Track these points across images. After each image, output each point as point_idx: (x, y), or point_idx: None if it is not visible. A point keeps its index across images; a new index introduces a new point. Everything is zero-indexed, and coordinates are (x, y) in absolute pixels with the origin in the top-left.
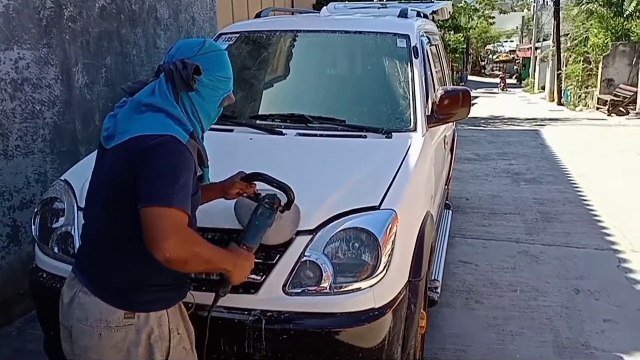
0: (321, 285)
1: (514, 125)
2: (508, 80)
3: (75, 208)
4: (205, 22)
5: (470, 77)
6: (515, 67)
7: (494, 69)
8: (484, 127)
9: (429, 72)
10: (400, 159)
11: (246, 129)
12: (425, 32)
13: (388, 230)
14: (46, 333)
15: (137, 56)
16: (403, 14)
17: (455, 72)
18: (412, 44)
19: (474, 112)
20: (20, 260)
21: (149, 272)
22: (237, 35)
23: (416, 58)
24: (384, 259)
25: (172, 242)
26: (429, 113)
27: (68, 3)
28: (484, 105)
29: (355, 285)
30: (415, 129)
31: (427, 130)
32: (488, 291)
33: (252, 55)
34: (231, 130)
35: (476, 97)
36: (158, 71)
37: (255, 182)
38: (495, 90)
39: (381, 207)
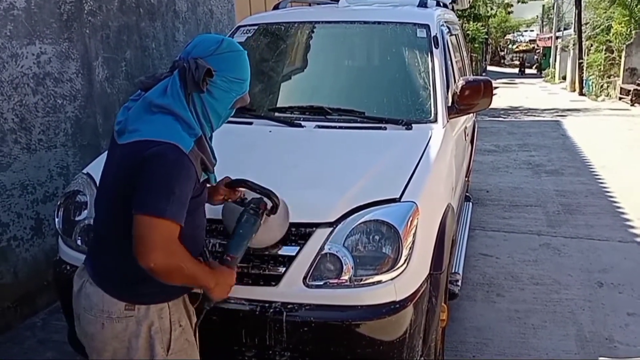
0: (342, 278)
1: (534, 116)
2: (528, 71)
3: None
4: (223, 14)
5: (489, 67)
6: (535, 56)
7: (514, 58)
8: (504, 118)
9: (449, 62)
10: (420, 151)
11: (265, 121)
12: (445, 22)
13: (409, 223)
14: (70, 324)
15: (156, 50)
16: (423, 4)
17: (473, 62)
18: (432, 34)
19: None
20: (44, 253)
21: None
22: (256, 27)
23: (436, 48)
24: (404, 252)
25: (158, 254)
26: (450, 104)
27: None
28: (504, 96)
29: (376, 278)
30: (435, 120)
31: (447, 121)
32: (509, 284)
33: (270, 48)
34: (250, 123)
35: (496, 87)
36: (173, 67)
37: (239, 190)
38: (516, 80)
39: (402, 200)
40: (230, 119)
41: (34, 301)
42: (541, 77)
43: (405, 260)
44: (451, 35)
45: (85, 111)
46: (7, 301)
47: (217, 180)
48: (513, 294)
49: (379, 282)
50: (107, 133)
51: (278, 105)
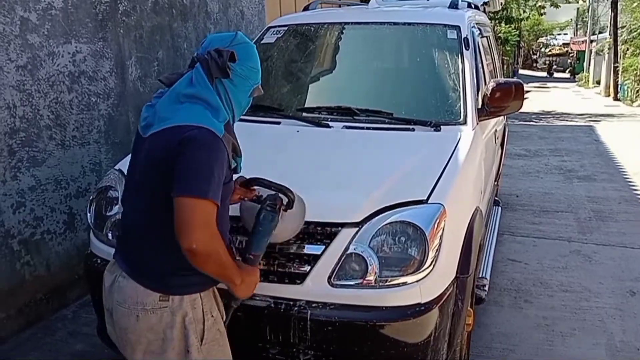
0: (367, 279)
1: (567, 120)
2: (561, 75)
3: None
4: (254, 15)
5: (521, 71)
6: (568, 60)
7: (547, 62)
8: (536, 122)
9: (480, 64)
10: (449, 153)
11: (293, 121)
12: (476, 24)
13: (436, 225)
14: (100, 317)
15: (187, 50)
16: (453, 5)
17: (505, 65)
18: (463, 35)
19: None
20: (76, 247)
21: (182, 257)
22: (286, 28)
23: (467, 49)
24: (431, 254)
25: (200, 234)
26: (480, 106)
27: None
28: (536, 100)
29: (402, 280)
30: (465, 122)
31: (477, 123)
32: (538, 290)
33: (300, 48)
34: (278, 123)
35: (528, 91)
36: (192, 62)
37: (255, 188)
38: (548, 84)
39: (429, 201)
40: (259, 118)
41: (65, 294)
42: (574, 82)
43: (432, 262)
44: (482, 37)
45: (118, 109)
46: (39, 293)
47: (257, 172)
48: (541, 300)
49: (404, 283)
50: None
51: (306, 106)
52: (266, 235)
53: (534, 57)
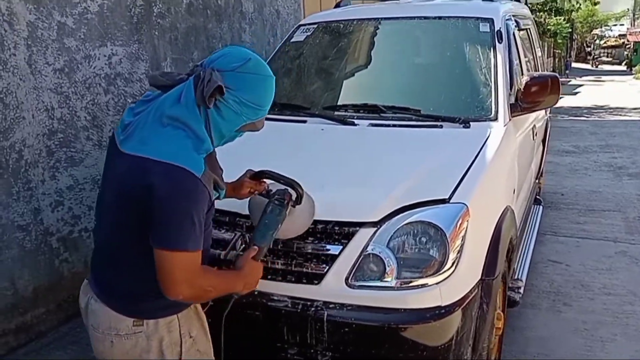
0: (385, 280)
1: (620, 115)
2: (617, 67)
3: None
4: (290, 14)
5: (574, 64)
6: (625, 52)
7: (602, 54)
8: (587, 117)
9: (514, 58)
10: (476, 150)
11: (319, 119)
12: (513, 16)
13: (457, 225)
14: None
15: None
16: None
17: (556, 59)
18: (496, 28)
19: (576, 101)
20: None
21: (155, 280)
22: (315, 25)
23: (500, 43)
24: (451, 255)
25: (184, 286)
26: (514, 101)
27: (157, 0)
28: (588, 94)
29: (421, 282)
30: (496, 118)
31: (510, 119)
32: (578, 293)
33: (328, 46)
34: (305, 121)
35: (580, 85)
36: (192, 71)
37: (264, 181)
38: (603, 77)
39: (451, 201)
40: (285, 117)
41: None
42: (631, 74)
43: (453, 263)
44: (520, 29)
45: None
46: (77, 289)
47: (283, 171)
48: (582, 303)
49: (424, 285)
50: None
51: (333, 104)
52: (271, 229)
53: (588, 49)
